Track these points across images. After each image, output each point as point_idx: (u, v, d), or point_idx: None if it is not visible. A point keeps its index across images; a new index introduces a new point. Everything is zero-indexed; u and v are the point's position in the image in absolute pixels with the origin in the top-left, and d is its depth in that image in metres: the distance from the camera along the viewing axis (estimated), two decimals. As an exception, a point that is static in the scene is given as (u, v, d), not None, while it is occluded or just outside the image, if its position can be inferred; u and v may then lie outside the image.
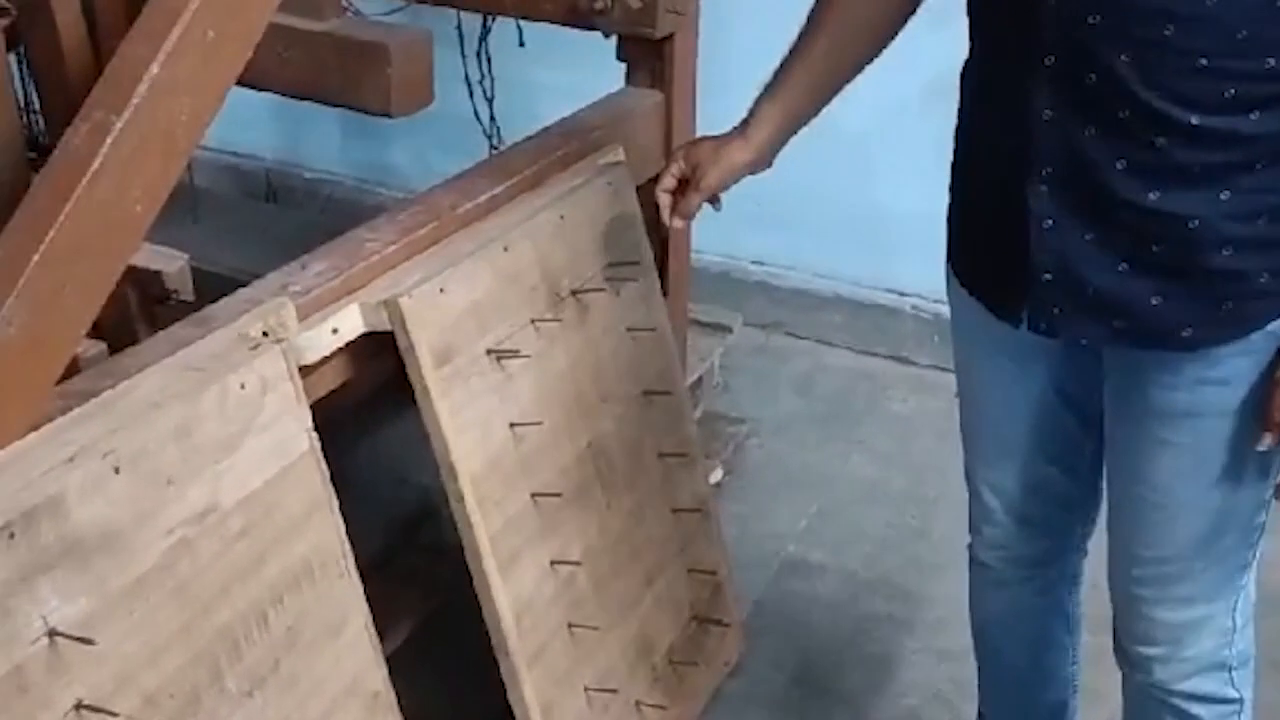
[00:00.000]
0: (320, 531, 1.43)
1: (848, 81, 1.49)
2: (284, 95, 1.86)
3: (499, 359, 1.65)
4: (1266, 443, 1.30)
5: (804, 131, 1.54)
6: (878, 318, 3.04)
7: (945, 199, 1.46)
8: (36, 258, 1.17)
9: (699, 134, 1.79)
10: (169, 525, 1.26)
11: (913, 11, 1.44)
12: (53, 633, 1.14)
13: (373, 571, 1.55)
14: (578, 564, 1.75)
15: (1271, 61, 1.15)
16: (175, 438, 1.28)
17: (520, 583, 1.66)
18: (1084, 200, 1.26)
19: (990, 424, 1.57)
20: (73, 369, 1.33)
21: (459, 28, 2.53)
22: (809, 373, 3.01)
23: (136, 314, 1.58)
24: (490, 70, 2.62)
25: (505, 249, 1.70)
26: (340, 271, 1.57)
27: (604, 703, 1.79)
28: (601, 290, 1.85)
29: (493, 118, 2.68)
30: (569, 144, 1.94)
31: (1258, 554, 1.43)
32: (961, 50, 1.37)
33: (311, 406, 1.45)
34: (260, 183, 3.62)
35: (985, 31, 1.34)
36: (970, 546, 1.69)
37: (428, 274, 1.60)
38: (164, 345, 1.40)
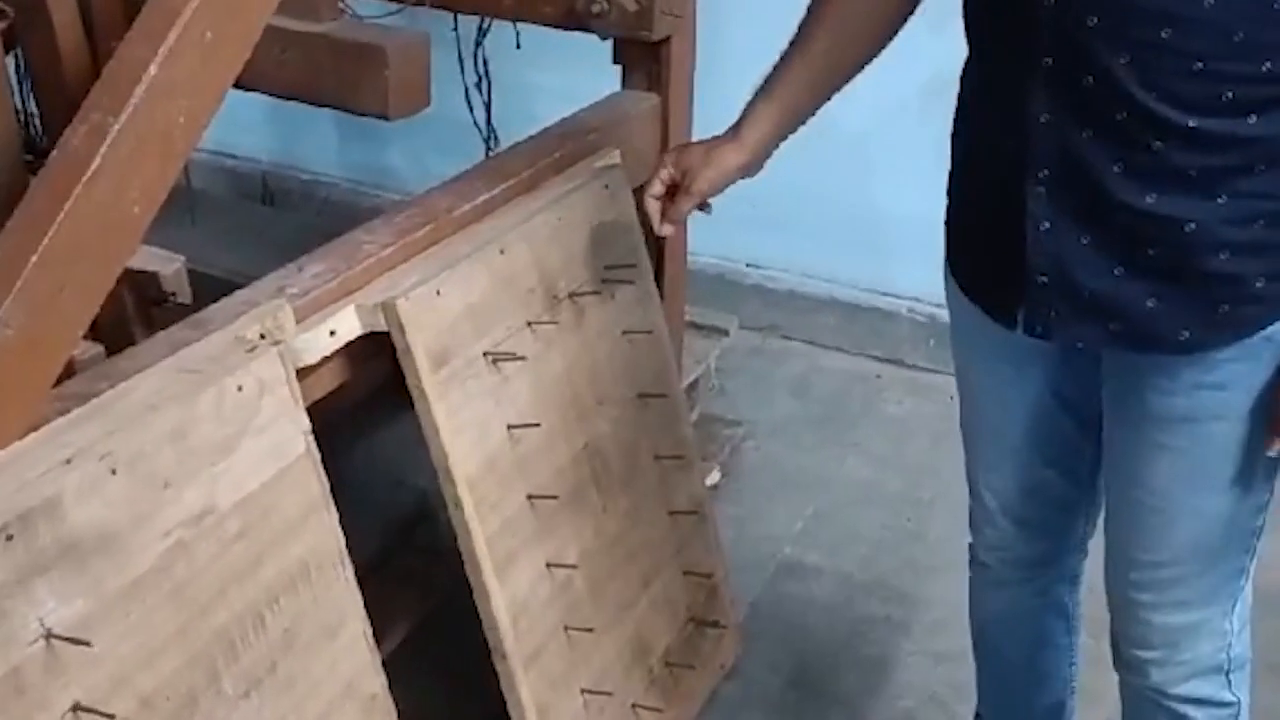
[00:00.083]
0: (317, 533, 1.43)
1: (846, 82, 1.48)
2: (281, 97, 1.86)
3: (495, 361, 1.66)
4: (1277, 449, 1.31)
5: (801, 133, 1.53)
6: (874, 320, 3.04)
7: (942, 201, 1.46)
8: (34, 259, 1.17)
9: (695, 137, 1.80)
10: (166, 527, 1.26)
11: (912, 10, 1.43)
12: (49, 634, 1.14)
13: (369, 573, 1.55)
14: (574, 566, 1.75)
15: (1269, 64, 1.15)
16: (172, 440, 1.28)
17: (516, 585, 1.66)
18: (1081, 203, 1.26)
19: (988, 427, 1.57)
20: (70, 371, 1.33)
21: (456, 30, 2.52)
22: (805, 375, 3.01)
23: (133, 316, 1.58)
24: (487, 73, 2.62)
25: (502, 251, 1.70)
26: (337, 274, 1.57)
27: (600, 705, 1.79)
28: (598, 293, 1.85)
29: (489, 120, 2.68)
30: (565, 146, 1.94)
31: (1255, 557, 1.44)
32: (960, 52, 1.37)
33: (308, 408, 1.45)
34: (257, 185, 3.62)
35: (983, 34, 1.34)
36: (971, 546, 1.69)
37: (424, 276, 1.60)
38: (161, 347, 1.40)
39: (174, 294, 1.57)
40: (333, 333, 1.53)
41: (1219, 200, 1.21)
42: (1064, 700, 1.78)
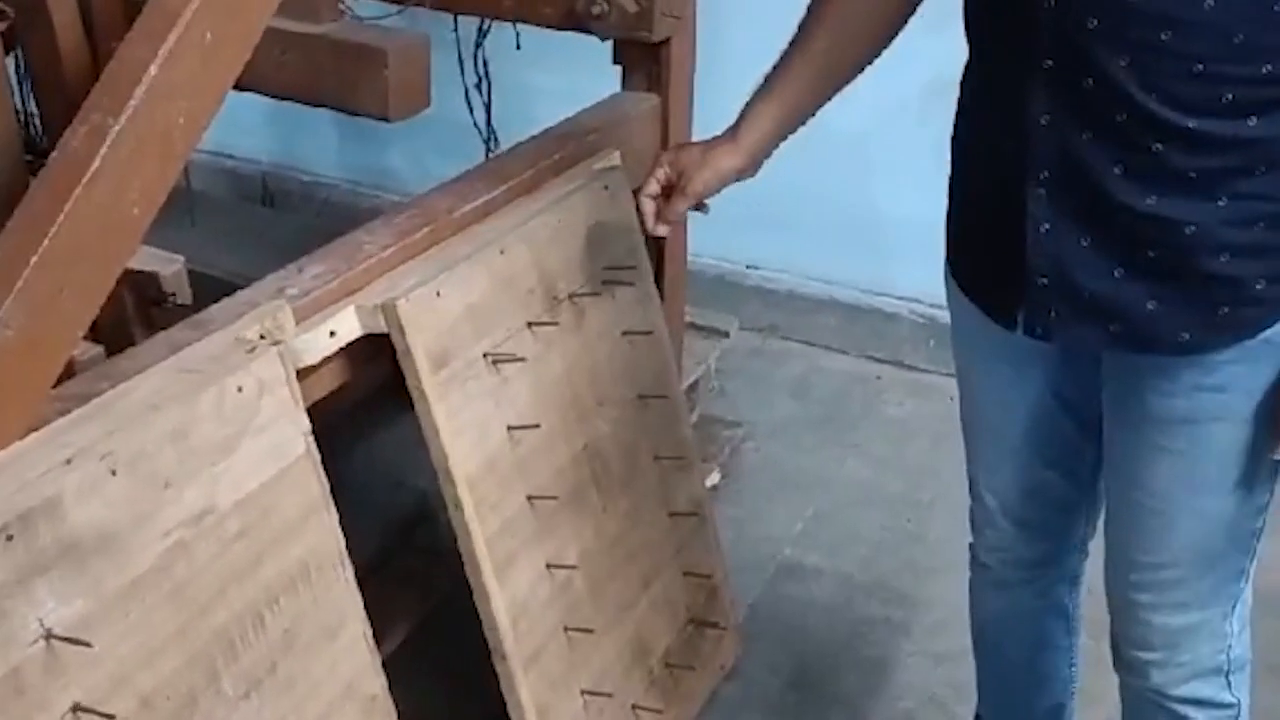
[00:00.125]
0: (317, 534, 1.44)
1: (845, 84, 1.48)
2: (281, 98, 1.86)
3: (495, 362, 1.66)
4: None
5: (801, 134, 1.53)
6: (874, 321, 3.04)
7: (942, 202, 1.46)
8: (34, 260, 1.17)
9: (696, 138, 1.79)
10: (166, 527, 1.26)
11: (912, 12, 1.43)
12: (49, 635, 1.14)
13: (369, 574, 1.55)
14: (574, 567, 1.76)
15: (1269, 66, 1.15)
16: (172, 440, 1.28)
17: (516, 585, 1.66)
18: (1081, 204, 1.26)
19: (989, 428, 1.57)
20: (70, 371, 1.33)
21: (456, 31, 2.52)
22: (805, 376, 3.01)
23: (133, 317, 1.58)
24: (487, 74, 2.62)
25: (502, 252, 1.70)
26: (337, 275, 1.57)
27: (600, 706, 1.79)
28: (598, 294, 1.85)
29: (489, 121, 2.68)
30: (565, 148, 1.94)
31: (1255, 559, 1.44)
32: (959, 53, 1.37)
33: (308, 409, 1.45)
34: (257, 186, 3.62)
35: (983, 36, 1.34)
36: (971, 547, 1.69)
37: (424, 277, 1.60)
38: (161, 348, 1.40)
39: (174, 295, 1.57)
40: (333, 334, 1.53)
41: (1219, 202, 1.21)
42: (1064, 702, 1.78)
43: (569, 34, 2.05)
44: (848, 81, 1.48)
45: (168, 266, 1.56)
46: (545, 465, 1.73)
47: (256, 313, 1.44)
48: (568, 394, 1.79)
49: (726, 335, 2.82)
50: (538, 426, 1.71)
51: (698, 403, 2.66)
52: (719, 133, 1.55)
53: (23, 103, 1.81)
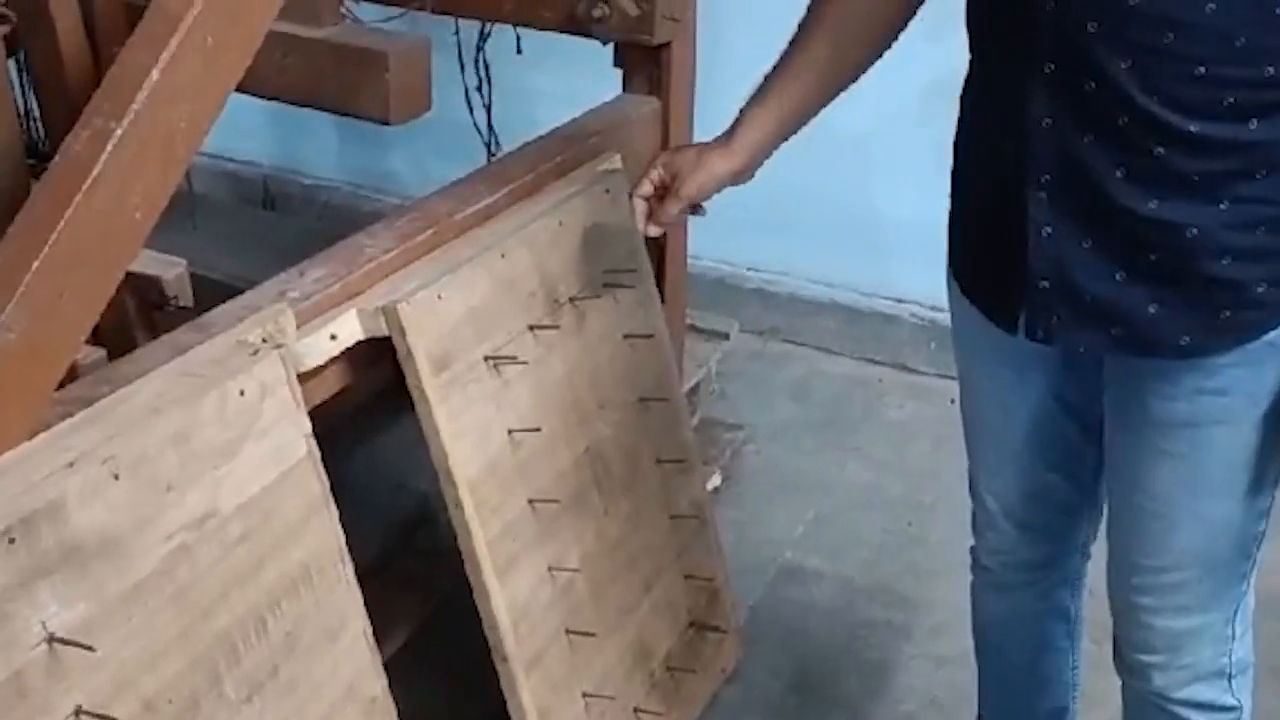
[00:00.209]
0: (318, 536, 1.44)
1: (843, 89, 1.47)
2: (282, 102, 1.86)
3: (496, 365, 1.66)
4: None
5: (801, 136, 1.52)
6: (875, 324, 3.04)
7: (943, 205, 1.46)
8: (36, 264, 1.17)
9: (696, 141, 1.80)
10: (168, 531, 1.26)
11: (911, 16, 1.43)
12: (52, 638, 1.14)
13: (370, 576, 1.55)
14: (575, 570, 1.76)
15: (1271, 69, 1.15)
16: (174, 443, 1.28)
17: (517, 588, 1.66)
18: (1083, 208, 1.26)
19: (991, 431, 1.57)
20: (72, 375, 1.33)
21: (457, 35, 2.53)
22: (806, 379, 3.01)
23: (135, 320, 1.59)
24: (488, 77, 2.63)
25: (503, 256, 1.70)
26: (339, 278, 1.57)
27: (601, 709, 1.79)
28: (599, 297, 1.85)
29: (490, 125, 2.68)
30: (567, 151, 1.94)
31: (1256, 562, 1.43)
32: (960, 55, 1.37)
33: (310, 412, 1.45)
34: (258, 189, 3.62)
35: (984, 39, 1.34)
36: (972, 550, 1.69)
37: (426, 280, 1.60)
38: (163, 351, 1.40)
39: (176, 298, 1.57)
40: (334, 337, 1.53)
41: (1220, 206, 1.21)
42: (1066, 704, 1.78)
43: (570, 37, 2.05)
44: (844, 87, 1.47)
45: (169, 270, 1.56)
46: (546, 468, 1.73)
47: (258, 316, 1.44)
48: (569, 397, 1.79)
49: (727, 338, 2.82)
50: (539, 429, 1.71)
51: (699, 405, 2.66)
52: (717, 136, 1.55)
53: (25, 106, 1.81)
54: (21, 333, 1.17)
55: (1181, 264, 1.25)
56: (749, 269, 3.14)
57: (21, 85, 1.82)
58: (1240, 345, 1.28)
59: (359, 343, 1.56)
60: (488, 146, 2.69)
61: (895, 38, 1.44)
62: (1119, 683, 1.56)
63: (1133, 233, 1.25)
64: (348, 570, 1.47)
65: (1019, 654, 1.74)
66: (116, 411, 1.29)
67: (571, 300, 1.80)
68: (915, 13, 1.43)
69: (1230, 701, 1.48)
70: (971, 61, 1.37)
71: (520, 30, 2.33)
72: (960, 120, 1.41)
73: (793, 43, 1.46)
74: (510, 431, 1.67)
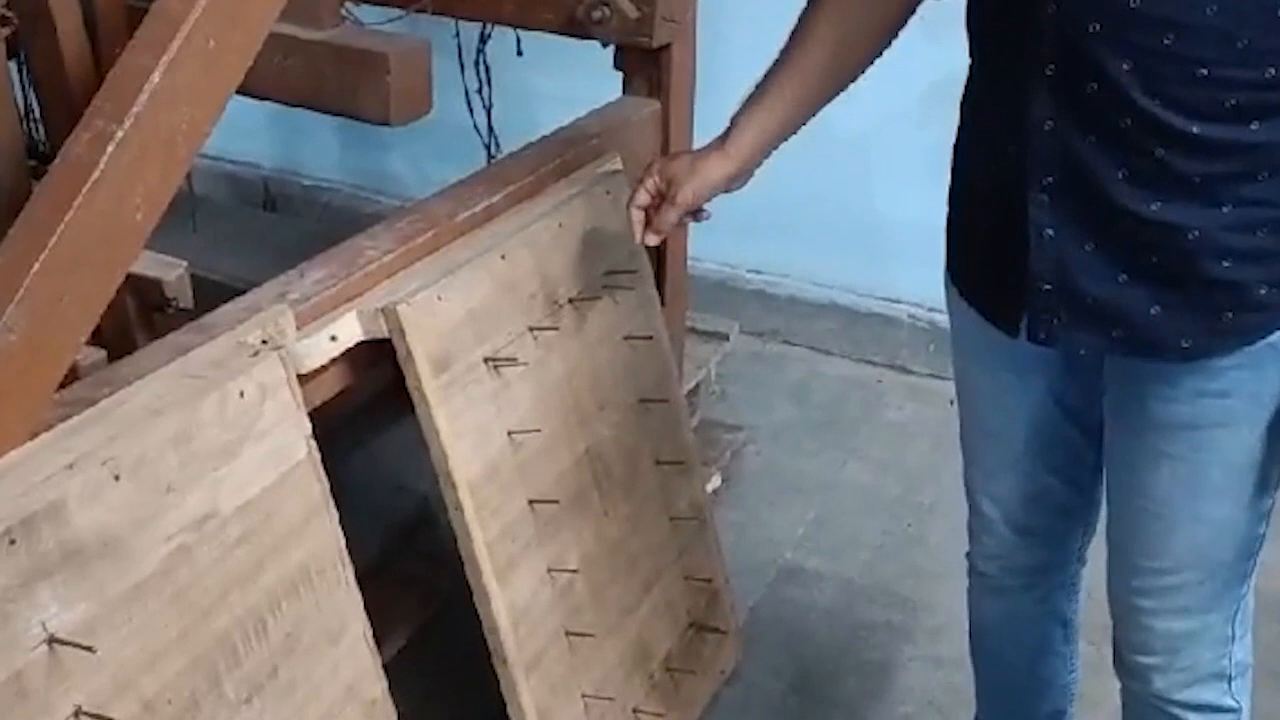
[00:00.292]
0: (318, 538, 1.44)
1: (838, 93, 1.46)
2: (282, 103, 1.86)
3: (496, 366, 1.66)
4: None
5: (801, 139, 1.52)
6: (874, 326, 3.05)
7: (943, 207, 1.46)
8: (37, 266, 1.17)
9: (696, 143, 1.80)
10: (168, 532, 1.26)
11: (907, 19, 1.42)
12: (52, 639, 1.14)
13: (370, 578, 1.55)
14: (575, 571, 1.76)
15: (1272, 71, 1.14)
16: (175, 444, 1.28)
17: (517, 590, 1.66)
18: (1084, 210, 1.26)
19: (990, 435, 1.57)
20: (72, 376, 1.33)
21: (457, 37, 2.53)
22: (805, 380, 3.02)
23: (136, 321, 1.59)
24: (488, 79, 2.63)
25: (503, 257, 1.70)
26: (339, 279, 1.57)
27: (601, 710, 1.79)
28: (599, 298, 1.86)
29: (490, 126, 2.68)
30: (567, 153, 1.94)
31: (1257, 564, 1.43)
32: (960, 58, 1.37)
33: (310, 413, 1.45)
34: (258, 191, 3.62)
35: (985, 42, 1.34)
36: (969, 555, 1.69)
37: (426, 282, 1.60)
38: (163, 353, 1.40)
39: (176, 299, 1.57)
40: (334, 338, 1.53)
41: (1222, 208, 1.21)
42: (1064, 708, 1.78)
43: (570, 39, 2.05)
44: (841, 89, 1.46)
45: (170, 271, 1.57)
46: (546, 469, 1.73)
47: (258, 317, 1.45)
48: (569, 398, 1.79)
49: (727, 339, 2.82)
50: (539, 431, 1.71)
51: (698, 407, 2.66)
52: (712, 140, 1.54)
53: (26, 108, 1.81)
54: (22, 334, 1.17)
55: (1183, 266, 1.25)
56: (749, 271, 3.14)
57: (22, 87, 1.82)
58: (1242, 347, 1.28)
59: (359, 344, 1.56)
60: (488, 148, 2.69)
61: (892, 39, 1.44)
62: (1117, 685, 1.56)
63: (1134, 235, 1.25)
64: (348, 572, 1.47)
65: (1017, 658, 1.74)
66: (117, 413, 1.29)
67: (571, 302, 1.80)
68: (913, 13, 1.42)
69: (1230, 703, 1.48)
70: (972, 64, 1.37)
71: (521, 32, 2.33)
72: (961, 123, 1.41)
73: (789, 45, 1.45)
74: (510, 433, 1.67)
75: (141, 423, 1.27)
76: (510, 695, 1.65)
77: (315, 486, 1.44)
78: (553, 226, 1.79)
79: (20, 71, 1.81)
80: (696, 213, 1.57)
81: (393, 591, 1.92)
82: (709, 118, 1.86)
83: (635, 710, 1.87)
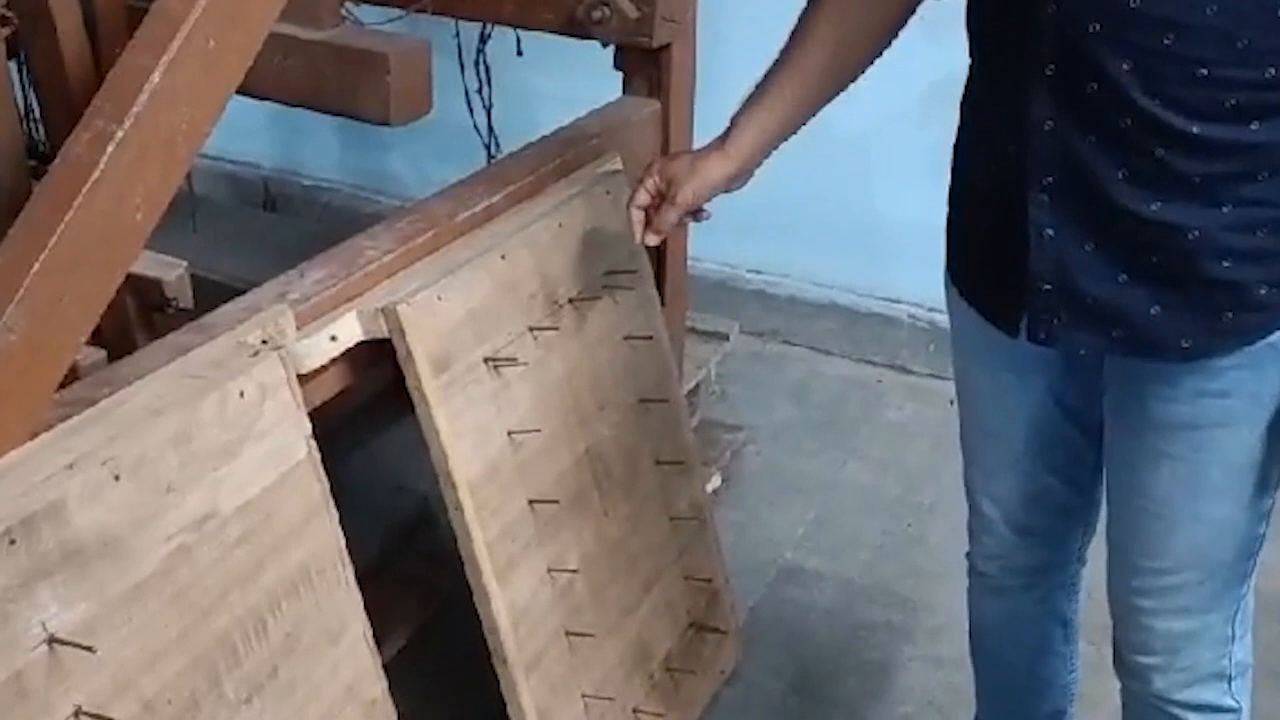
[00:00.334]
0: (318, 538, 1.44)
1: (841, 90, 1.46)
2: (282, 103, 1.86)
3: (496, 366, 1.66)
4: None
5: (801, 138, 1.52)
6: (874, 326, 3.05)
7: (943, 207, 1.45)
8: (37, 266, 1.17)
9: (696, 143, 1.80)
10: (168, 532, 1.26)
11: (908, 19, 1.42)
12: (52, 639, 1.14)
13: (370, 578, 1.55)
14: (575, 571, 1.76)
15: (1272, 71, 1.14)
16: (175, 444, 1.28)
17: (517, 590, 1.66)
18: (1084, 210, 1.26)
19: (990, 435, 1.57)
20: (72, 376, 1.33)
21: (457, 37, 2.53)
22: (805, 380, 3.02)
23: (136, 321, 1.59)
24: (488, 79, 2.63)
25: (503, 257, 1.70)
26: (339, 279, 1.57)
27: (601, 710, 1.79)
28: (599, 298, 1.86)
29: (490, 126, 2.68)
30: (567, 152, 1.94)
31: (1257, 564, 1.43)
32: (960, 58, 1.37)
33: (310, 413, 1.45)
34: (258, 190, 3.62)
35: (985, 42, 1.34)
36: (969, 555, 1.69)
37: (426, 282, 1.60)
38: (163, 353, 1.40)
39: (176, 299, 1.57)
40: (334, 338, 1.53)
41: (1222, 208, 1.21)
42: (1064, 708, 1.78)
43: (570, 39, 2.05)
44: (841, 89, 1.46)
45: (170, 271, 1.57)
46: (546, 469, 1.73)
47: (258, 317, 1.45)
48: (569, 398, 1.79)
49: (727, 339, 2.82)
50: (539, 431, 1.71)
51: (698, 407, 2.66)
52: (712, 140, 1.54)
53: (26, 108, 1.81)
54: (22, 334, 1.17)
55: (1183, 266, 1.25)
56: (749, 271, 3.14)
57: (22, 87, 1.82)
58: (1242, 347, 1.28)
59: (359, 344, 1.56)
60: (488, 148, 2.69)
61: (893, 39, 1.43)
62: (1117, 685, 1.56)
63: (1134, 235, 1.25)
64: (348, 572, 1.47)
65: (1017, 658, 1.74)
66: (117, 413, 1.29)
67: (571, 301, 1.80)
68: (913, 13, 1.42)
69: (1230, 703, 1.48)
70: (972, 64, 1.37)
71: (521, 32, 2.33)
72: (960, 123, 1.41)
73: (788, 45, 1.45)
74: (510, 433, 1.67)
75: (141, 423, 1.27)
76: (510, 695, 1.65)
77: (315, 486, 1.44)
78: (553, 226, 1.79)
79: (20, 71, 1.81)
80: (696, 213, 1.57)
81: (393, 591, 1.92)
82: (709, 118, 1.86)
83: (635, 710, 1.87)
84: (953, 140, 1.42)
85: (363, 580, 1.50)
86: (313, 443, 1.44)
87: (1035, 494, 1.57)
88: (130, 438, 1.25)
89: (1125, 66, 1.17)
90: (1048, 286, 1.31)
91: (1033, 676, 1.76)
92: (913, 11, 1.42)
